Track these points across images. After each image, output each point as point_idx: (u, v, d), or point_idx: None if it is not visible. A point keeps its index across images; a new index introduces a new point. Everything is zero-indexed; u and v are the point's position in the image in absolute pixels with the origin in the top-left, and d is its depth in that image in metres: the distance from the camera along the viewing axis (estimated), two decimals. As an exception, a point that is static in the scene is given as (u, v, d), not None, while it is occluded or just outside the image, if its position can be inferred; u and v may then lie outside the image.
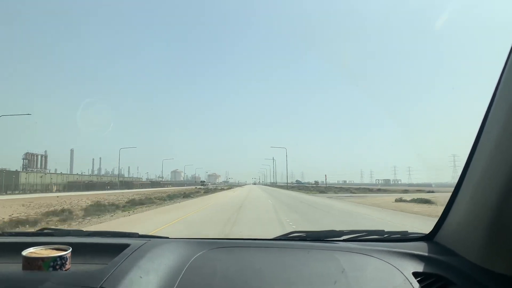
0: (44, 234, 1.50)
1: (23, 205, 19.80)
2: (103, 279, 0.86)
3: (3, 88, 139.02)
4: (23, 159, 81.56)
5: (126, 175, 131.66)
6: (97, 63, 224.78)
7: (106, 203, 19.45)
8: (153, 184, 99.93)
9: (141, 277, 0.93)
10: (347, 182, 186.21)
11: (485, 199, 0.94)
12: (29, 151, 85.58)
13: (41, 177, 63.36)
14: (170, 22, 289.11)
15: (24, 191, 50.61)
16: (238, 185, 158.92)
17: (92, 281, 0.85)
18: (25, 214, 13.75)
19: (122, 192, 45.85)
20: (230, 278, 1.00)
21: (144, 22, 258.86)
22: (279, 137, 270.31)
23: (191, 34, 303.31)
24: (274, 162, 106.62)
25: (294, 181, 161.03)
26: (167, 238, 1.42)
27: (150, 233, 1.52)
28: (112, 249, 1.14)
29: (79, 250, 1.14)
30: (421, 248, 1.20)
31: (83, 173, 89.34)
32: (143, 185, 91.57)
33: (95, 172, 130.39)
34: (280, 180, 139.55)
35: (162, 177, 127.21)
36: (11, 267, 1.07)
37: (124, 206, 18.44)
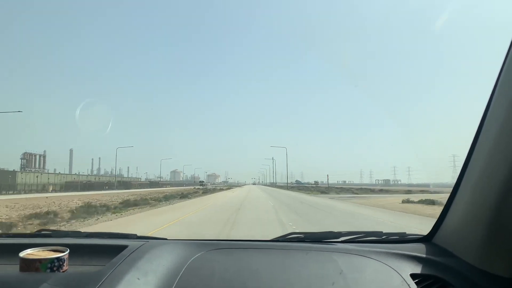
0: (42, 235, 1.47)
1: (6, 206, 18.58)
2: (100, 281, 0.86)
3: (3, 87, 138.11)
4: (21, 158, 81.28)
5: (125, 175, 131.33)
6: (97, 63, 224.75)
7: (98, 204, 18.46)
8: (152, 184, 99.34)
9: (138, 278, 0.93)
10: (347, 182, 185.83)
11: (483, 200, 0.94)
12: (27, 151, 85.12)
13: (37, 177, 62.43)
14: (170, 22, 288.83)
15: (20, 192, 49.60)
16: (238, 185, 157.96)
17: (89, 283, 0.85)
18: (6, 217, 12.72)
19: (119, 193, 45.00)
20: (228, 280, 1.00)
21: (144, 22, 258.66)
22: (279, 137, 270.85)
23: (191, 34, 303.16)
24: (274, 162, 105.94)
25: (293, 181, 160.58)
26: (165, 239, 1.40)
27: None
28: (110, 251, 1.13)
29: (77, 251, 1.14)
30: (419, 250, 1.20)
31: (81, 173, 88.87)
32: (141, 185, 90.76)
33: (95, 172, 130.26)
34: (280, 180, 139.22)
35: (161, 177, 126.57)
36: (8, 269, 1.06)
37: (115, 208, 17.46)
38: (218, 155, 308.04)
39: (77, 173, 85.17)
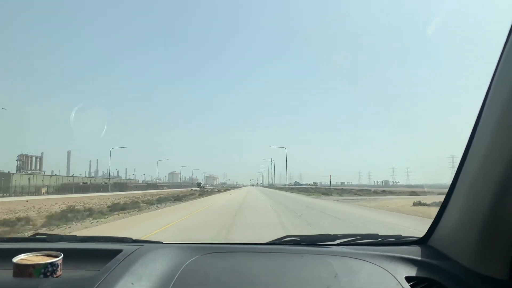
0: (36, 240, 1.47)
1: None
2: (94, 286, 0.86)
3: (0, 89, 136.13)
4: (17, 160, 79.60)
5: (123, 177, 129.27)
6: (95, 64, 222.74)
7: (82, 209, 16.83)
8: (149, 186, 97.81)
9: (132, 283, 0.92)
10: (345, 183, 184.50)
11: (478, 202, 0.93)
12: (24, 153, 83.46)
13: (29, 178, 60.62)
14: (169, 22, 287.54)
15: (13, 194, 47.88)
16: (236, 186, 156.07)
17: None
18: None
19: (111, 195, 43.32)
20: (223, 283, 1.00)
21: (143, 22, 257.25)
22: (277, 139, 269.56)
23: (190, 34, 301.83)
24: (273, 163, 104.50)
25: (292, 182, 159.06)
26: (161, 243, 1.40)
27: None
28: (105, 255, 1.12)
29: (71, 256, 1.12)
30: (415, 252, 1.19)
31: (79, 175, 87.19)
32: (137, 187, 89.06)
33: (92, 174, 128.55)
34: (279, 181, 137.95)
35: (158, 179, 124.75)
36: (2, 275, 1.05)
37: (99, 212, 15.82)
38: (217, 157, 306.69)
39: (75, 175, 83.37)
